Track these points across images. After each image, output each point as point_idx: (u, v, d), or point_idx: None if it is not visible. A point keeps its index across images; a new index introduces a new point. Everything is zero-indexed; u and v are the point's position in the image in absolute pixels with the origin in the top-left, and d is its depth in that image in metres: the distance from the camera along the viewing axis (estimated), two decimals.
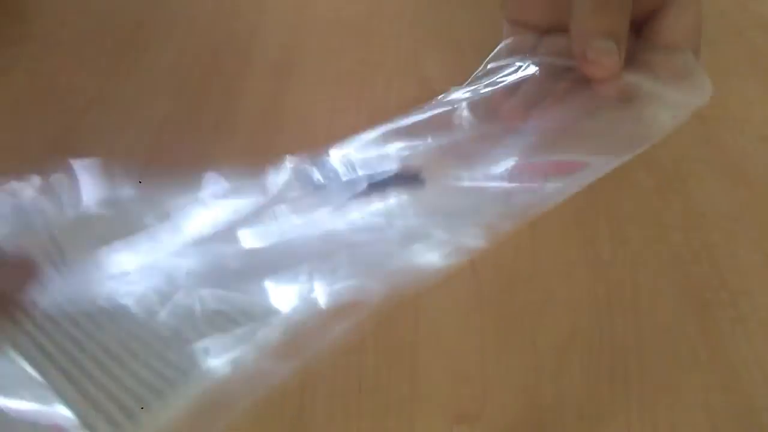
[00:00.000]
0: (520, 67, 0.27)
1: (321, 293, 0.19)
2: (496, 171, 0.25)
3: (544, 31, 0.28)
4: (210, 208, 0.21)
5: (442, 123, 0.27)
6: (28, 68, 0.45)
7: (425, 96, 0.44)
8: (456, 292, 0.33)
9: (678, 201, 0.38)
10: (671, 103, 0.25)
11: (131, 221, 0.21)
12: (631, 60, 0.24)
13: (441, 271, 0.21)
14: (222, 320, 0.18)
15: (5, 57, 0.46)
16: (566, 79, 0.26)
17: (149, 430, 0.17)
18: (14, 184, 0.21)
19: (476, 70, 0.29)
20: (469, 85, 0.28)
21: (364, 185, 0.25)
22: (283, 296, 0.19)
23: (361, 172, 0.25)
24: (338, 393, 0.30)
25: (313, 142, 0.41)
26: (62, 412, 0.16)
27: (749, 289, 0.34)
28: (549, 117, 0.26)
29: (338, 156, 0.26)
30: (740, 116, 0.43)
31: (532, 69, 0.27)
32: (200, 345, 0.18)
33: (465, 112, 0.27)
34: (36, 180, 0.22)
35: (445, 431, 0.29)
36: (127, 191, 0.22)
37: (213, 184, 0.23)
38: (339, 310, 0.19)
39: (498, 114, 0.27)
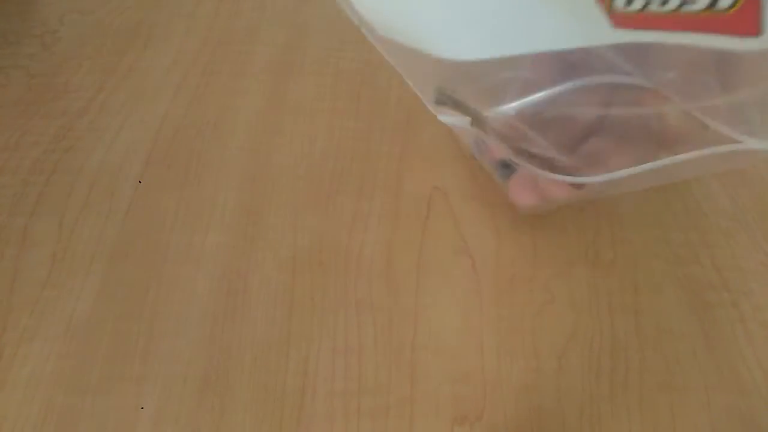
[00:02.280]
0: None
1: None
2: None
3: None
4: None
5: None
6: (28, 68, 0.45)
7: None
8: (456, 292, 0.33)
9: (678, 201, 0.38)
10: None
11: None
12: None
13: None
14: None
15: (5, 57, 0.46)
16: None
17: None
18: None
19: None
20: None
21: None
22: None
23: None
24: (338, 393, 0.30)
25: (313, 143, 0.41)
26: None
27: (750, 289, 0.34)
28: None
29: None
30: None
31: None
32: None
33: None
34: None
35: (445, 431, 0.29)
36: None
37: None
38: None
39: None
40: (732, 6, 0.18)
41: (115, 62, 0.46)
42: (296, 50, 0.48)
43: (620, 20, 0.20)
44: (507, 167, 0.38)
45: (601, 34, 0.21)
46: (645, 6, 0.19)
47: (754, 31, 0.19)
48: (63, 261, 0.34)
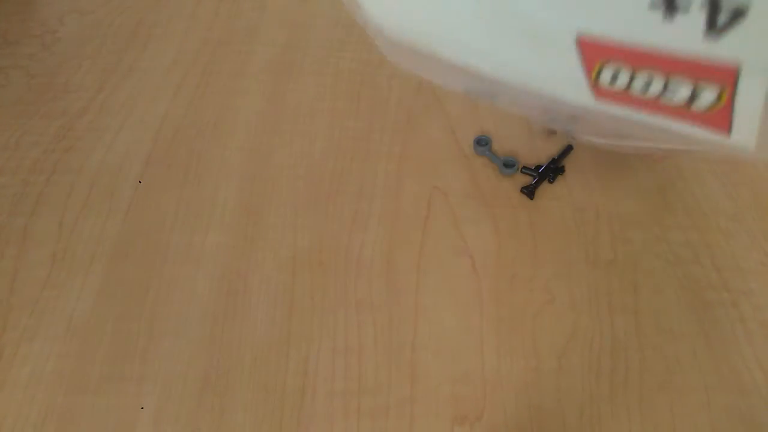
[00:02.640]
0: None
1: None
2: None
3: None
4: None
5: None
6: (28, 68, 0.45)
7: (425, 96, 0.44)
8: (456, 292, 0.33)
9: (678, 201, 0.38)
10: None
11: None
12: None
13: None
14: None
15: (5, 57, 0.46)
16: None
17: None
18: None
19: None
20: None
21: None
22: None
23: None
24: (338, 393, 0.30)
25: (313, 143, 0.41)
26: None
27: (749, 289, 0.34)
28: None
29: None
30: None
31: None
32: None
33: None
34: None
35: (445, 431, 0.29)
36: None
37: None
38: None
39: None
40: (709, 108, 0.18)
41: (115, 62, 0.46)
42: (296, 50, 0.48)
43: (602, 93, 0.21)
44: (509, 166, 0.38)
45: (583, 98, 0.21)
46: (628, 86, 0.20)
47: (726, 129, 0.19)
48: (63, 261, 0.34)
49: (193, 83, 0.45)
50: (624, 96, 0.20)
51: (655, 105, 0.20)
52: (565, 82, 0.21)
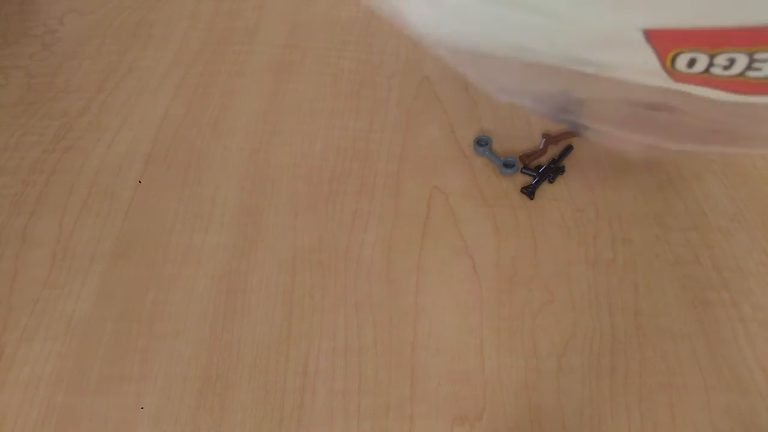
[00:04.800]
0: None
1: None
2: None
3: None
4: None
5: None
6: (28, 68, 0.45)
7: (425, 96, 0.44)
8: (456, 292, 0.33)
9: (678, 201, 0.38)
10: None
11: None
12: None
13: None
14: None
15: (5, 57, 0.46)
16: None
17: None
18: None
19: None
20: None
21: None
22: None
23: None
24: (338, 393, 0.30)
25: (313, 143, 0.41)
26: None
27: (750, 289, 0.34)
28: None
29: None
30: None
31: None
32: None
33: None
34: None
35: (445, 431, 0.29)
36: None
37: None
38: None
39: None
40: None
41: (115, 62, 0.46)
42: (296, 50, 0.48)
43: (681, 77, 0.19)
44: (509, 166, 0.38)
45: (662, 81, 0.20)
46: (707, 69, 0.18)
47: None
48: (63, 261, 0.34)
49: (193, 83, 0.45)
50: (705, 78, 0.19)
51: (742, 83, 0.18)
52: (641, 71, 0.20)
